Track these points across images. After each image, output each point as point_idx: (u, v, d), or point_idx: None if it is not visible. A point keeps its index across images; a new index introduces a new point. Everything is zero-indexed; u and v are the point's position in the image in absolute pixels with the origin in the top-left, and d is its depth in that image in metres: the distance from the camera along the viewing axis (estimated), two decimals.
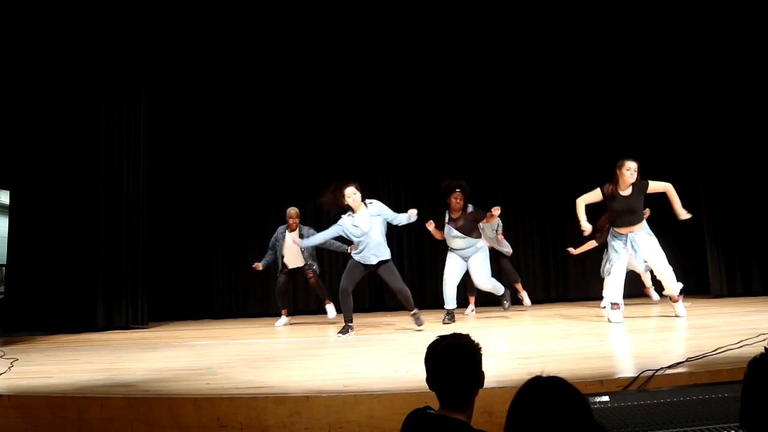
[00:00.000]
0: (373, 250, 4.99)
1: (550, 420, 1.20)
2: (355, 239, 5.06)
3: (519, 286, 6.65)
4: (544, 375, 1.32)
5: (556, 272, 8.11)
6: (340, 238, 5.57)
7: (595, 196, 5.06)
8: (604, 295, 6.22)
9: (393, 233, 7.95)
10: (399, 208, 8.03)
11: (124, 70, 6.69)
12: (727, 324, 4.36)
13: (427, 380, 1.73)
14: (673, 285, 4.95)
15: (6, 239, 6.85)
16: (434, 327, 5.24)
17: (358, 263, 5.05)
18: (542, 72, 8.03)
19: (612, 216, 5.06)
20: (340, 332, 5.01)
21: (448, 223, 5.75)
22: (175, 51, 7.65)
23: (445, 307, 5.84)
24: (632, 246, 4.99)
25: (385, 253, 5.06)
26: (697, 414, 1.79)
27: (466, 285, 6.35)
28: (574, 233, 8.12)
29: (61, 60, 6.58)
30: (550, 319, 5.59)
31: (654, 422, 1.77)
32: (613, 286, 5.03)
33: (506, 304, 6.05)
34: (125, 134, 6.65)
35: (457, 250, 5.79)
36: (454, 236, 5.73)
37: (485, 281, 5.78)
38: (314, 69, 8.02)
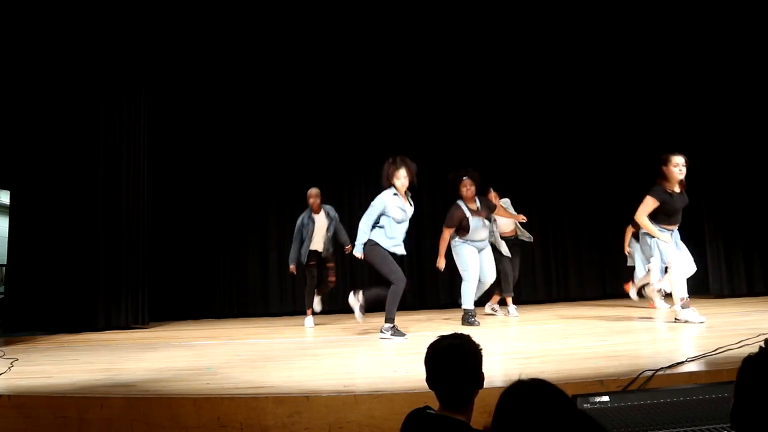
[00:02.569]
0: (404, 240, 4.76)
1: (535, 423, 1.20)
2: (394, 223, 4.66)
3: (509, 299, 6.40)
4: (526, 377, 1.30)
5: (556, 272, 8.11)
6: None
7: (653, 203, 4.55)
8: (633, 293, 6.05)
9: None
10: None
11: (124, 70, 6.69)
12: (727, 324, 4.36)
13: (427, 380, 1.73)
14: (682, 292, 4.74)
15: (6, 239, 6.85)
16: (435, 327, 5.24)
17: (389, 253, 4.64)
18: (543, 71, 8.03)
19: (662, 213, 4.61)
20: (393, 334, 4.55)
21: (472, 216, 5.41)
22: (175, 52, 7.64)
23: (465, 307, 5.44)
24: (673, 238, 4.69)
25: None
26: (697, 414, 1.79)
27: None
28: (574, 233, 8.18)
29: (62, 60, 6.58)
30: (550, 319, 5.59)
31: (654, 422, 1.77)
32: (677, 279, 4.53)
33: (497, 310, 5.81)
34: (125, 134, 6.65)
35: (477, 241, 5.46)
36: (483, 226, 5.47)
37: (494, 274, 5.63)
38: (314, 69, 8.01)
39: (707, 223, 6.94)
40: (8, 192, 7.23)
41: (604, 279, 7.92)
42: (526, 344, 4.11)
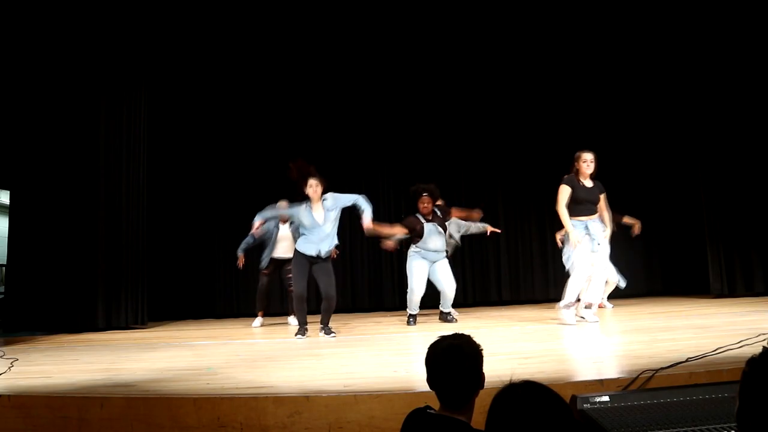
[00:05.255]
0: (325, 241, 4.96)
1: (528, 426, 1.19)
2: (303, 229, 5.06)
3: None
4: (518, 379, 1.30)
5: (555, 272, 8.10)
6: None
7: (566, 193, 5.08)
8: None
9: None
10: (399, 211, 8.08)
11: (124, 70, 6.68)
12: (727, 324, 4.36)
13: (428, 380, 1.73)
14: (600, 291, 5.00)
15: (6, 239, 6.85)
16: (431, 328, 5.24)
17: (303, 258, 4.96)
18: (542, 72, 8.04)
19: (572, 202, 5.07)
20: (297, 334, 4.98)
21: (430, 221, 5.62)
22: (175, 51, 7.65)
23: (410, 312, 5.71)
24: (590, 232, 5.00)
25: (332, 245, 5.04)
26: (697, 414, 1.79)
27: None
28: None
29: (62, 60, 6.57)
30: (550, 319, 5.58)
31: (654, 422, 1.77)
32: (574, 283, 4.91)
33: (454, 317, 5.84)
34: (125, 134, 6.65)
35: (430, 251, 5.61)
36: (438, 233, 5.61)
37: (453, 285, 5.71)
38: (314, 71, 8.02)
39: (707, 223, 6.93)
40: (8, 192, 7.23)
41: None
42: (526, 344, 4.11)
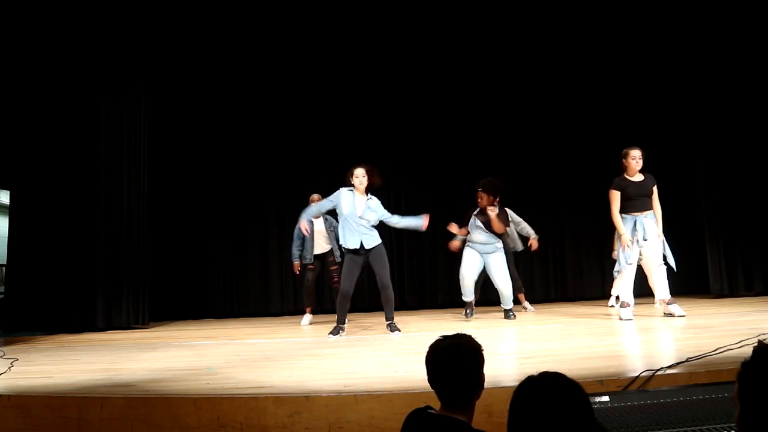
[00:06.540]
0: (366, 235, 4.92)
1: (551, 414, 1.21)
2: (341, 218, 4.98)
3: (521, 297, 6.66)
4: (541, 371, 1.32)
5: (554, 272, 8.10)
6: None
7: (616, 197, 5.11)
8: (612, 293, 6.19)
9: (392, 232, 7.99)
10: (399, 210, 8.06)
11: (124, 70, 6.68)
12: (727, 324, 4.36)
13: (428, 380, 1.74)
14: (665, 286, 5.02)
15: (6, 239, 6.85)
16: (432, 327, 5.24)
17: (351, 255, 4.93)
18: (542, 71, 8.03)
19: (622, 200, 5.10)
20: (331, 332, 4.97)
21: (476, 215, 5.89)
22: (175, 51, 7.64)
23: (464, 299, 5.99)
24: (637, 227, 5.01)
25: (376, 240, 4.99)
26: (697, 414, 1.80)
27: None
28: (573, 232, 8.18)
29: (61, 60, 6.57)
30: (550, 319, 5.59)
31: (654, 422, 1.77)
32: (625, 281, 5.05)
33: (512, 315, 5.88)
34: (125, 134, 6.65)
35: (476, 243, 5.88)
36: (476, 226, 5.84)
37: (505, 281, 5.83)
38: (315, 70, 8.00)
39: (707, 223, 6.93)
40: (8, 192, 7.23)
41: (604, 278, 7.91)
42: (526, 344, 4.11)
